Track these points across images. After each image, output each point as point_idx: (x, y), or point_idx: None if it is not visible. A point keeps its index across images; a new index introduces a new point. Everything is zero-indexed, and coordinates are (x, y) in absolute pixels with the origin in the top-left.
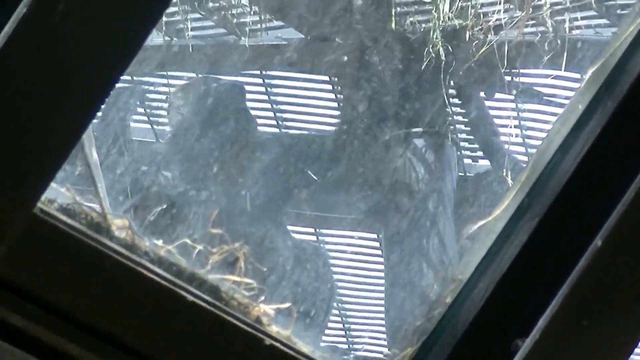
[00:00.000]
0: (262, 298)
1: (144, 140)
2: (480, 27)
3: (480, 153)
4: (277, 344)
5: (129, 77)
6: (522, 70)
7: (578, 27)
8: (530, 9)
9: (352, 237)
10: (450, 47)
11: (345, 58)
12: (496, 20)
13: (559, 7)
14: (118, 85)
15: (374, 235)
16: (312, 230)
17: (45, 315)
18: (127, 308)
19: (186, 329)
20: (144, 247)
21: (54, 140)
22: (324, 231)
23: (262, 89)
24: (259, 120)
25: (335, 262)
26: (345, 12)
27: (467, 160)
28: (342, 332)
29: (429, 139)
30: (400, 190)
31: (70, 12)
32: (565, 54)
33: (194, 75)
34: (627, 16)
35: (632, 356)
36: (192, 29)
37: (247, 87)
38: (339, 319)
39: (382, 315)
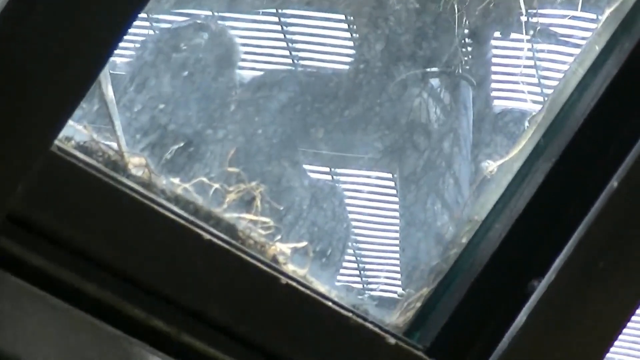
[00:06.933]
0: (279, 237)
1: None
2: None
3: (495, 93)
4: (294, 283)
5: (145, 15)
6: (538, 11)
7: None
8: None
9: (367, 176)
10: None
11: None
12: None
13: None
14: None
15: (389, 175)
16: (327, 169)
17: (62, 254)
18: (144, 246)
19: (202, 267)
20: (161, 185)
21: (71, 78)
22: (339, 170)
23: (278, 27)
24: (274, 59)
25: (350, 202)
26: None
27: (483, 101)
28: (357, 272)
29: (444, 79)
30: (416, 130)
31: None
32: None
33: (209, 13)
34: None
35: None
36: None
37: (263, 26)
38: (353, 258)
39: (397, 256)
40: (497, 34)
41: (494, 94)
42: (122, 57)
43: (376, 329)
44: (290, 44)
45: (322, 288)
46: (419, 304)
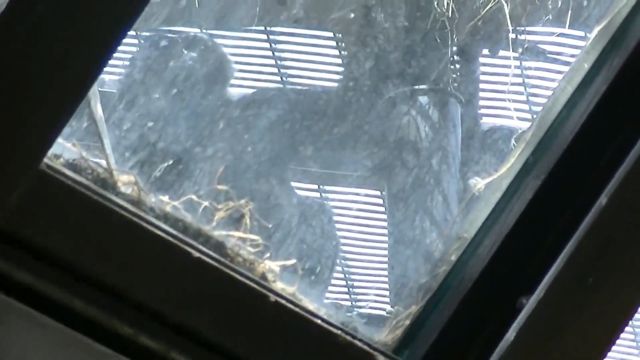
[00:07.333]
0: (268, 255)
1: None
2: None
3: (484, 111)
4: (282, 301)
5: (133, 33)
6: (526, 28)
7: None
8: None
9: (356, 194)
10: (455, 4)
11: (352, 15)
12: None
13: None
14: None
15: (378, 192)
16: (316, 187)
17: (51, 271)
18: (133, 264)
19: (192, 285)
20: (150, 203)
21: (60, 96)
22: (327, 188)
23: (267, 45)
24: (263, 77)
25: (339, 219)
26: None
27: (471, 118)
28: (346, 290)
29: (433, 96)
30: (404, 147)
31: None
32: (569, 12)
33: (198, 31)
34: None
35: None
36: None
37: (252, 44)
38: (342, 276)
39: (386, 273)
40: (485, 51)
41: (482, 111)
42: (111, 74)
43: (365, 347)
44: (279, 62)
45: (311, 306)
46: (407, 322)
